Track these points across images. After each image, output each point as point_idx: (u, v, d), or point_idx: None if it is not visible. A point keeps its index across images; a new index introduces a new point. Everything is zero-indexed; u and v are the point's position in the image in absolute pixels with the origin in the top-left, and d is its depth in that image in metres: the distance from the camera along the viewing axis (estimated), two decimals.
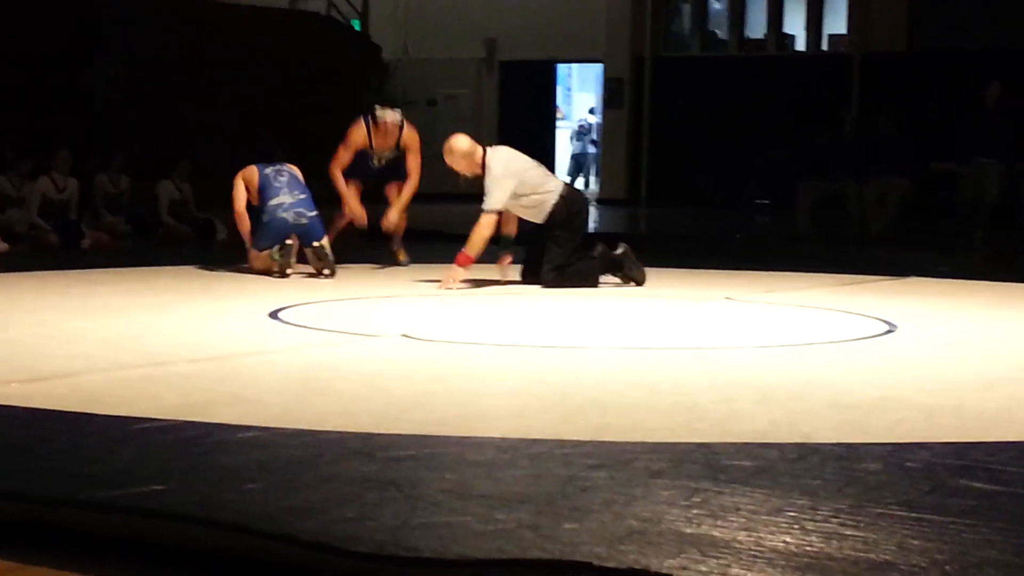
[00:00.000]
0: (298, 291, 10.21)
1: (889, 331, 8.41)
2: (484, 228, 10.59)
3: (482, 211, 10.67)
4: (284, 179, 11.45)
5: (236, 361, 6.94)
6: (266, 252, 11.21)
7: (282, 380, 6.37)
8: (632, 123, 25.61)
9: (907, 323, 8.72)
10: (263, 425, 5.24)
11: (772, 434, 5.26)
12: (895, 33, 24.05)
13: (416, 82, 26.77)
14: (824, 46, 25.54)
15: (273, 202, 11.26)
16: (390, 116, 12.06)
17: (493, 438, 5.11)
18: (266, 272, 11.17)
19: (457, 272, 10.49)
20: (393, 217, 11.91)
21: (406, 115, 12.33)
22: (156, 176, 16.24)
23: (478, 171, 10.83)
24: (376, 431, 5.19)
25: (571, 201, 10.92)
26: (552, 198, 10.76)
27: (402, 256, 12.35)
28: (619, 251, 10.87)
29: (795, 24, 25.77)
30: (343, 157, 11.93)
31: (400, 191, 12.06)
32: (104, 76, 19.94)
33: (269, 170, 11.52)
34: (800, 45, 25.81)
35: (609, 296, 9.94)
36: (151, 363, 6.78)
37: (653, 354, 7.58)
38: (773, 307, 9.75)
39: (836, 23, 25.35)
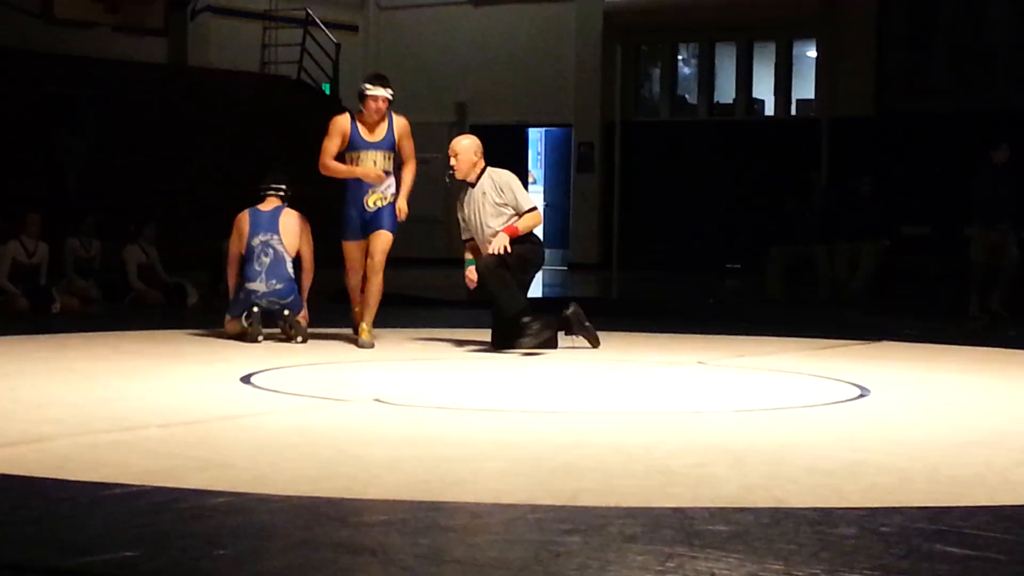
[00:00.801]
0: (271, 356, 10.18)
1: (862, 395, 8.42)
2: (536, 218, 10.86)
3: (532, 208, 10.87)
4: (267, 260, 11.30)
5: (207, 426, 6.90)
6: (238, 319, 11.19)
7: (254, 445, 6.34)
8: (603, 187, 25.72)
9: (880, 387, 8.73)
10: (234, 490, 5.21)
11: (746, 499, 5.24)
12: (863, 98, 24.22)
13: None
14: (793, 111, 25.71)
15: (249, 286, 11.23)
16: (381, 92, 11.10)
17: (466, 503, 5.09)
18: (239, 336, 11.14)
19: (505, 238, 10.59)
20: (402, 204, 11.12)
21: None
22: (125, 240, 16.20)
23: (473, 178, 10.87)
24: (348, 496, 5.17)
25: (534, 242, 10.97)
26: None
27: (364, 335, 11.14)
28: (568, 310, 10.85)
29: (764, 89, 25.94)
30: (329, 148, 11.02)
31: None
32: (75, 140, 19.95)
33: (256, 241, 11.35)
34: (769, 110, 25.98)
35: (582, 361, 9.93)
36: (121, 428, 6.74)
37: (626, 418, 7.57)
38: (745, 371, 9.76)
39: (804, 88, 25.53)
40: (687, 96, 26.79)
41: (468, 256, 11.05)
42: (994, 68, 23.24)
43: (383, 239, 11.01)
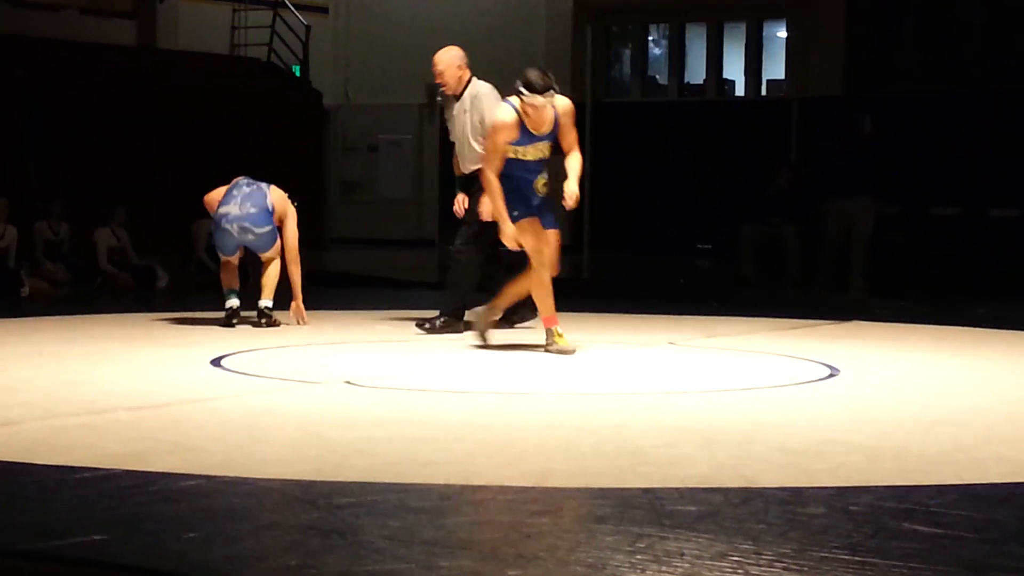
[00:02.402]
0: (241, 338, 10.15)
1: (831, 375, 8.44)
2: None
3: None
4: (247, 190, 11.09)
5: (177, 409, 6.89)
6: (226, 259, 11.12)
7: (223, 428, 6.32)
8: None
9: (849, 367, 8.75)
10: (204, 473, 5.20)
11: (716, 478, 5.26)
12: (833, 78, 24.25)
13: (357, 128, 26.78)
14: (763, 91, 25.73)
15: (221, 210, 11.04)
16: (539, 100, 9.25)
17: (436, 484, 5.09)
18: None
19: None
20: (573, 188, 9.82)
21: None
22: (95, 223, 16.14)
23: (459, 90, 10.84)
24: (318, 478, 5.16)
25: None
26: None
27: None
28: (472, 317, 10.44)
29: (735, 70, 25.95)
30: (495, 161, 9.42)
31: None
32: (42, 123, 19.85)
33: (241, 179, 11.21)
34: (740, 90, 25.99)
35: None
36: (90, 411, 6.72)
37: (596, 399, 7.58)
38: (715, 352, 9.77)
39: (775, 69, 25.55)
40: (657, 77, 26.78)
41: (456, 172, 11.00)
42: (964, 49, 23.28)
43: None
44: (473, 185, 10.54)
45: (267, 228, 11.05)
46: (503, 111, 9.28)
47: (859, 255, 15.34)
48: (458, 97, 10.91)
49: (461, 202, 10.85)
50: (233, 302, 10.92)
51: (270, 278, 11.02)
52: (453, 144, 11.08)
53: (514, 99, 9.15)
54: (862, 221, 15.39)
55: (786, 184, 17.96)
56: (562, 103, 9.25)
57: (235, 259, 11.12)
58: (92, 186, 19.02)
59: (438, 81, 10.96)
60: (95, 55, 22.30)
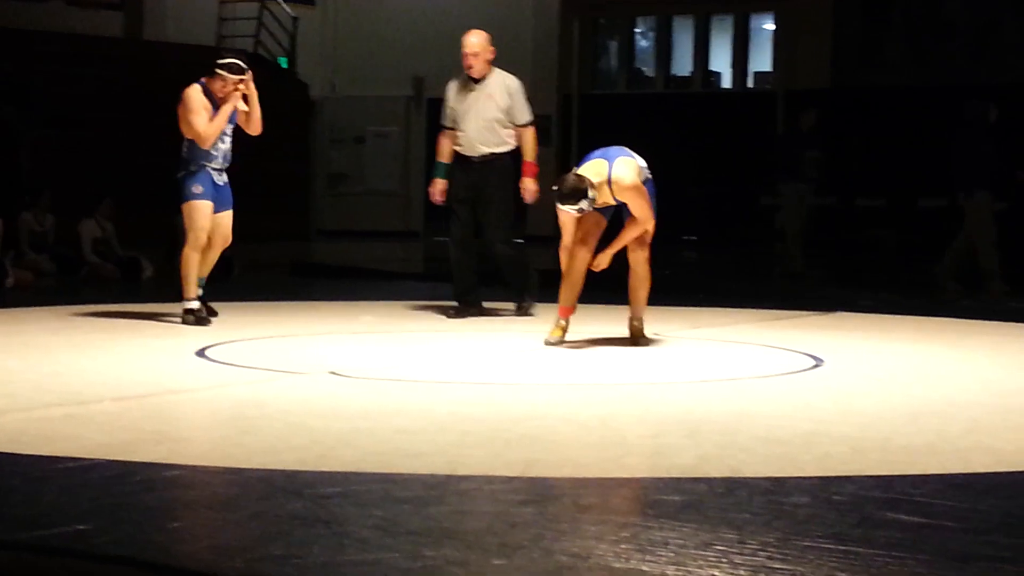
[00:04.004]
0: (226, 329, 10.14)
1: (816, 365, 8.45)
2: (536, 140, 11.09)
3: (529, 123, 11.02)
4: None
5: (162, 399, 6.88)
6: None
7: (208, 418, 6.33)
8: (560, 161, 25.69)
9: (834, 357, 8.77)
10: (189, 463, 5.20)
11: (701, 468, 5.26)
12: (819, 70, 24.27)
13: (344, 120, 26.76)
14: (750, 83, 25.74)
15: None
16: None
17: (421, 475, 5.09)
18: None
19: (534, 186, 10.96)
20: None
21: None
22: (81, 214, 16.11)
23: (483, 73, 10.92)
24: (303, 468, 5.16)
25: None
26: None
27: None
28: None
29: (721, 62, 25.96)
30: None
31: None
32: (29, 115, 19.81)
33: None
34: (726, 83, 26.00)
35: (537, 333, 9.91)
36: (75, 402, 6.71)
37: (581, 390, 7.59)
38: (701, 342, 9.78)
39: (761, 61, 25.57)
40: (644, 69, 26.79)
41: (440, 158, 11.11)
42: (950, 43, 23.32)
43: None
44: (480, 170, 10.88)
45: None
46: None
47: (988, 255, 13.96)
48: (477, 81, 10.95)
49: (441, 189, 10.93)
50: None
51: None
52: (443, 128, 11.09)
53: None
54: (980, 220, 14.19)
55: (808, 128, 17.09)
56: (617, 179, 9.09)
57: None
58: (78, 177, 19.00)
59: (469, 63, 10.92)
60: (82, 46, 22.25)
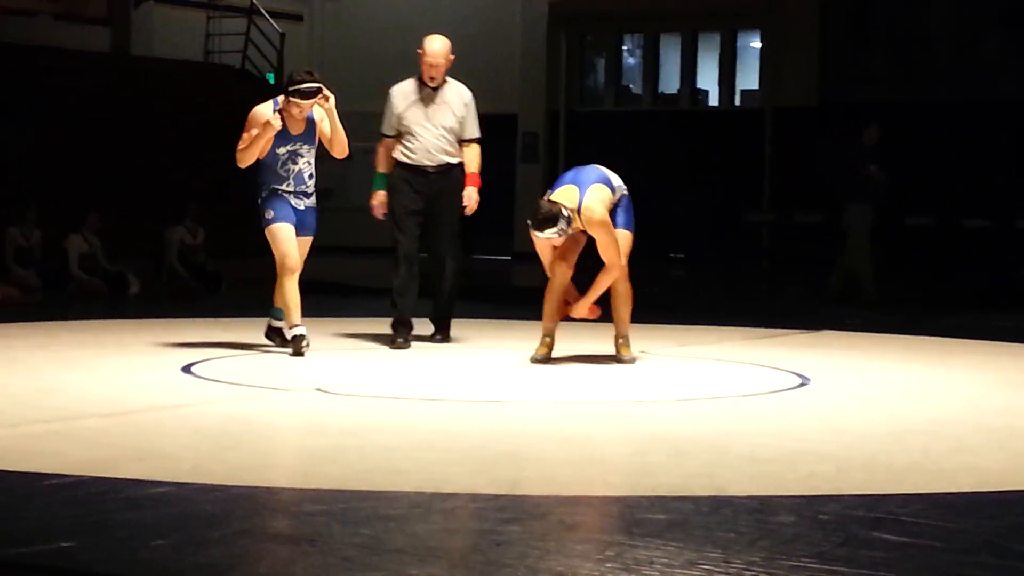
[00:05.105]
0: (212, 345, 10.13)
1: (802, 384, 8.46)
2: (480, 155, 10.55)
3: (476, 140, 10.57)
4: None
5: (147, 416, 6.87)
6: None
7: (193, 435, 6.31)
8: (547, 177, 25.73)
9: (820, 376, 8.78)
10: (173, 480, 5.19)
11: (686, 487, 5.26)
12: (806, 88, 24.33)
13: None
14: (737, 101, 25.80)
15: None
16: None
17: (406, 492, 5.08)
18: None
19: (476, 195, 10.44)
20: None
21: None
22: (68, 230, 16.10)
23: (440, 81, 10.59)
24: (288, 486, 5.16)
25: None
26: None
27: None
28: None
29: (708, 80, 26.01)
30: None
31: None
32: (17, 130, 19.79)
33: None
34: (713, 100, 26.06)
35: (522, 350, 9.92)
36: (60, 418, 6.70)
37: (567, 407, 7.59)
38: (687, 360, 9.78)
39: (748, 79, 25.62)
40: (631, 86, 26.84)
41: (381, 168, 10.65)
42: (935, 59, 23.40)
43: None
44: (436, 180, 10.43)
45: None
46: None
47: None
48: (433, 89, 10.61)
49: (382, 202, 10.55)
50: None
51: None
52: (384, 136, 10.70)
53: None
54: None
55: (872, 141, 15.86)
56: (587, 211, 9.02)
57: None
58: (65, 192, 18.96)
59: (434, 74, 10.58)
60: (69, 61, 22.24)
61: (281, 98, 9.66)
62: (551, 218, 8.88)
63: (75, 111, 20.99)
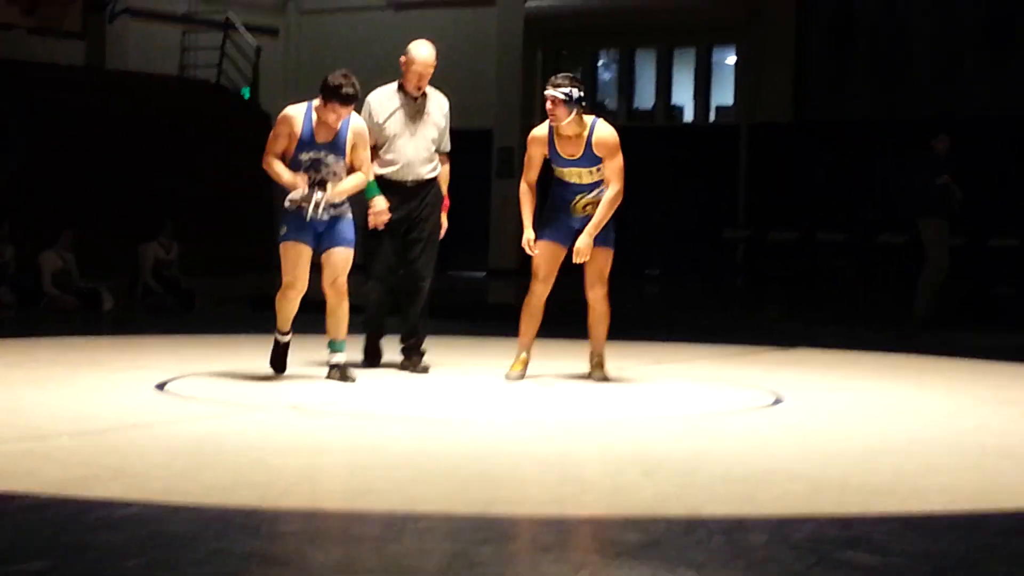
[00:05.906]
0: (186, 362, 10.10)
1: (776, 402, 8.47)
2: (447, 172, 10.13)
3: (447, 153, 10.13)
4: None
5: (120, 434, 6.85)
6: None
7: (166, 454, 6.29)
8: None
9: (794, 394, 8.79)
10: (146, 500, 5.18)
11: (660, 507, 5.27)
12: (782, 104, 24.40)
13: None
14: (712, 117, 25.86)
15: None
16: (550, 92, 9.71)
17: (380, 512, 5.08)
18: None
19: (444, 220, 10.07)
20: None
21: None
22: (41, 245, 16.05)
23: (422, 91, 10.10)
24: (262, 506, 5.14)
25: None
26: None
27: None
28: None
29: (683, 95, 26.07)
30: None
31: None
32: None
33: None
34: (688, 116, 26.11)
35: (497, 370, 9.92)
36: (32, 437, 6.67)
37: (541, 427, 7.58)
38: (661, 378, 9.78)
39: (724, 95, 25.69)
40: (606, 101, 26.88)
41: (368, 176, 9.64)
42: (913, 76, 23.48)
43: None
44: (417, 197, 9.96)
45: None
46: None
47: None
48: (414, 99, 10.12)
49: (384, 207, 9.79)
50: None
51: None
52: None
53: None
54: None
55: (943, 151, 14.82)
56: (601, 135, 9.35)
57: None
58: (39, 207, 18.93)
59: (422, 83, 10.08)
60: (43, 75, 22.21)
61: (316, 102, 9.15)
62: (569, 80, 9.37)
63: (49, 126, 20.96)
